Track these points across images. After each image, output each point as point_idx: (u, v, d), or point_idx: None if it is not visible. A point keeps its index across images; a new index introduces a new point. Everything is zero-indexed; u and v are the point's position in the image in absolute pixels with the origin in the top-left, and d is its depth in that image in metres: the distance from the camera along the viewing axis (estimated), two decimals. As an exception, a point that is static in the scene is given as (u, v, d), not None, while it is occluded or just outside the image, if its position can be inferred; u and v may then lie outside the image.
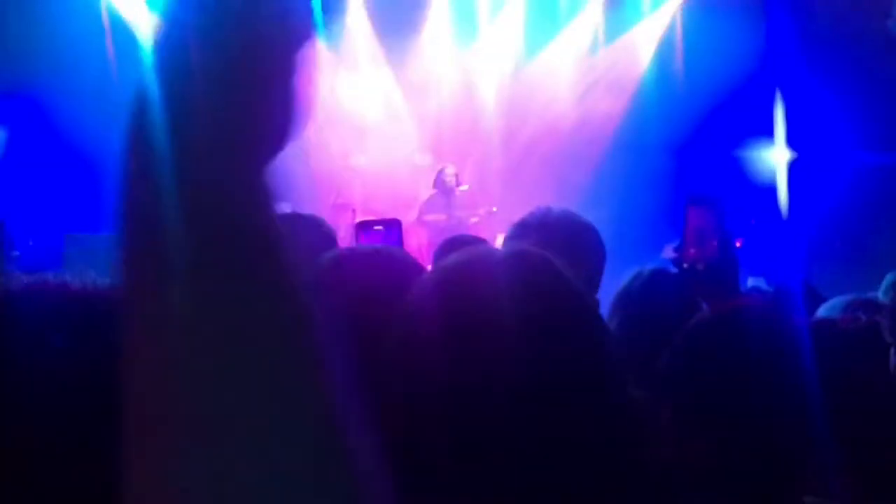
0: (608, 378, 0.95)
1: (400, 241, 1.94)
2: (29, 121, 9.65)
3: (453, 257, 1.03)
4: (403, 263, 1.36)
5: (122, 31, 10.03)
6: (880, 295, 3.01)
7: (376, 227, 2.00)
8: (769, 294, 3.60)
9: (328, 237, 1.94)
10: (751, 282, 7.49)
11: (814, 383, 1.29)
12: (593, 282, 1.88)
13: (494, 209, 9.02)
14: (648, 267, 2.27)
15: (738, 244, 7.62)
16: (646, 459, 1.28)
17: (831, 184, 9.38)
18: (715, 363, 1.33)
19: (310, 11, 0.68)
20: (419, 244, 8.78)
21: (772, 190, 9.96)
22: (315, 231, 1.95)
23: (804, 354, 1.33)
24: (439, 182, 8.88)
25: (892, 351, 1.66)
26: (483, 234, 8.73)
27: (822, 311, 2.61)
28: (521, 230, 1.92)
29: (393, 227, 2.00)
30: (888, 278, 3.10)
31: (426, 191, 9.23)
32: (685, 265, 1.72)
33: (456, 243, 3.04)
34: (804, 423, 1.27)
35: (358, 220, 1.83)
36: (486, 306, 0.92)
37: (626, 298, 2.20)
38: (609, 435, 0.93)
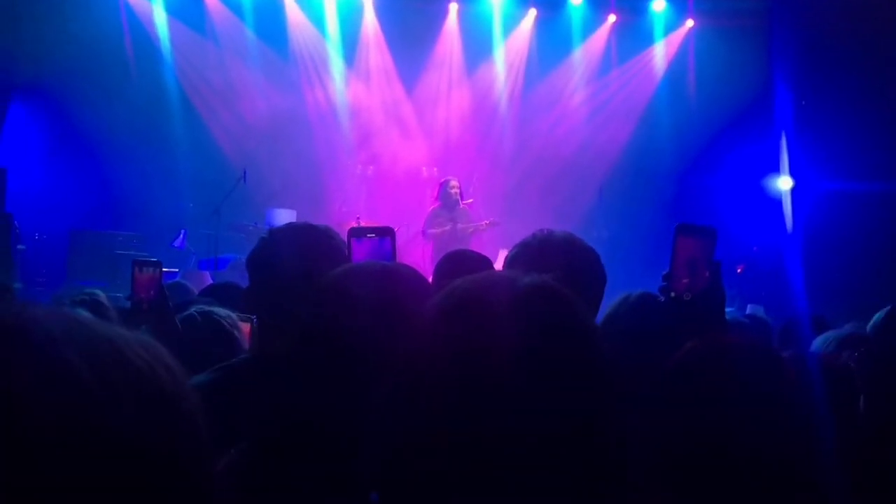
0: (607, 421, 0.94)
1: (392, 249, 1.87)
2: (42, 117, 9.73)
3: (469, 281, 1.00)
4: (411, 281, 1.36)
5: (140, 34, 10.13)
6: (868, 329, 3.03)
7: (369, 235, 1.88)
8: (757, 327, 3.59)
9: (338, 249, 1.93)
10: (750, 309, 7.50)
11: (798, 419, 1.30)
12: (593, 306, 1.84)
13: (497, 221, 9.07)
14: (635, 292, 2.22)
15: (739, 270, 7.56)
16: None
17: (834, 211, 9.41)
18: (701, 397, 1.29)
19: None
20: (423, 254, 8.82)
21: (775, 217, 9.99)
22: (326, 243, 1.97)
23: (788, 391, 1.34)
24: (444, 195, 8.90)
25: (861, 398, 1.65)
26: (485, 246, 8.79)
27: (816, 345, 2.62)
28: (523, 250, 1.88)
29: (386, 235, 1.88)
30: (877, 316, 3.09)
31: (431, 203, 9.29)
32: (672, 294, 1.67)
33: (458, 258, 3.07)
34: (790, 459, 1.25)
35: (351, 227, 1.72)
36: (500, 338, 0.90)
37: (612, 323, 2.16)
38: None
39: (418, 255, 8.76)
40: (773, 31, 10.15)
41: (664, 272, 1.70)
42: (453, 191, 8.92)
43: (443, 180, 9.17)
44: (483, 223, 9.01)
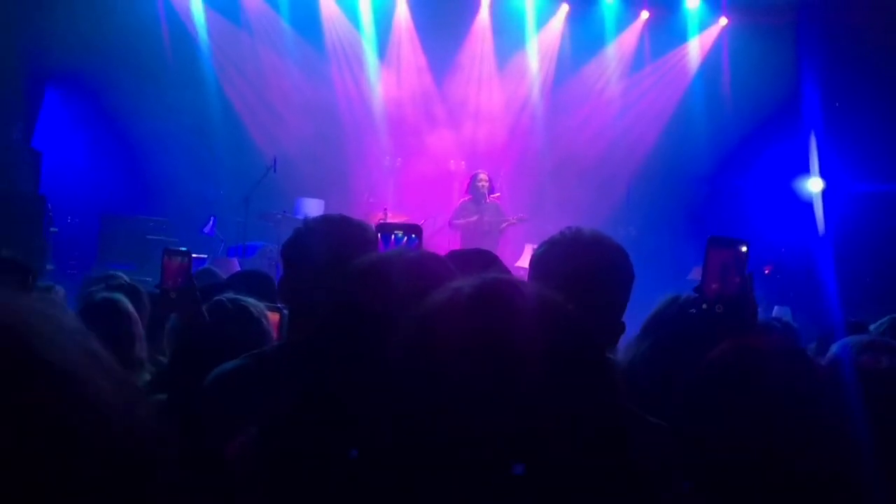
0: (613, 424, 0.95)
1: (419, 247, 1.89)
2: (77, 103, 9.85)
3: (492, 277, 1.00)
4: (439, 270, 1.35)
5: (176, 23, 10.23)
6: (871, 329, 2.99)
7: (396, 232, 1.90)
8: (785, 330, 3.55)
9: (372, 243, 1.91)
10: (776, 311, 7.43)
11: (835, 423, 1.29)
12: (620, 305, 1.82)
13: (525, 217, 9.07)
14: (684, 294, 2.18)
15: (766, 272, 7.46)
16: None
17: (866, 213, 9.29)
18: (730, 400, 1.29)
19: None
20: (449, 246, 8.84)
21: (806, 219, 9.87)
22: (360, 236, 1.96)
23: (824, 394, 1.33)
24: (472, 188, 8.93)
25: None
26: (511, 241, 8.76)
27: (835, 349, 2.58)
28: (550, 248, 1.83)
29: (413, 232, 1.90)
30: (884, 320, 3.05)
31: (460, 195, 9.31)
32: (704, 305, 1.70)
33: (471, 258, 3.05)
34: (823, 464, 1.24)
35: (379, 223, 1.69)
36: (516, 332, 0.90)
37: (659, 323, 2.13)
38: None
39: (444, 247, 8.79)
40: (803, 30, 10.01)
41: (696, 285, 1.71)
42: (481, 184, 8.94)
43: (472, 173, 9.20)
44: (511, 219, 9.01)
